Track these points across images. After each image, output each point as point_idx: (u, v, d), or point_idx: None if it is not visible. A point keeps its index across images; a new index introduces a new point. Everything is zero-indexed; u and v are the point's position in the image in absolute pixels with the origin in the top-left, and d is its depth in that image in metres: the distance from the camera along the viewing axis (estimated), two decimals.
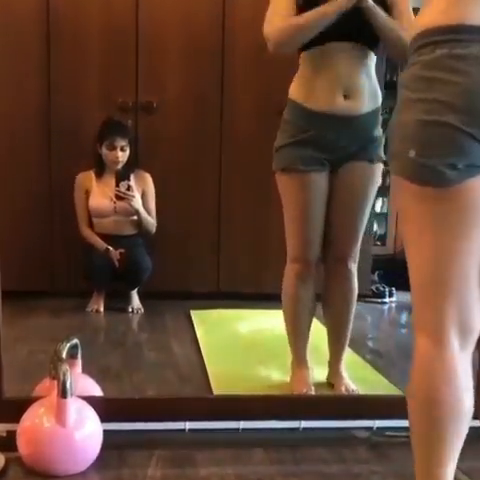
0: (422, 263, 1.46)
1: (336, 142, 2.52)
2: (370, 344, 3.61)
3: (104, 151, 3.85)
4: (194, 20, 3.98)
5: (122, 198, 3.83)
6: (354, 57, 2.51)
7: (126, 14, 3.92)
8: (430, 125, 1.35)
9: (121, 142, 3.83)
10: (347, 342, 2.80)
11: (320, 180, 2.58)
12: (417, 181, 1.40)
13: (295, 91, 2.59)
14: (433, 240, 1.42)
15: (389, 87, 4.84)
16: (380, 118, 2.62)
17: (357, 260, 2.71)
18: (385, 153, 2.54)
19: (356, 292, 2.73)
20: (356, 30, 2.46)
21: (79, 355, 2.33)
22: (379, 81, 4.09)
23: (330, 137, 2.51)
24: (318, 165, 2.56)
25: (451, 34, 1.32)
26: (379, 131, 2.61)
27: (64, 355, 2.16)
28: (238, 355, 3.24)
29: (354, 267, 2.71)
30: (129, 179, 3.82)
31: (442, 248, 1.42)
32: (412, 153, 1.37)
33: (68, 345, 2.21)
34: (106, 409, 2.15)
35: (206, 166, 4.11)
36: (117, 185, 3.80)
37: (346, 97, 2.50)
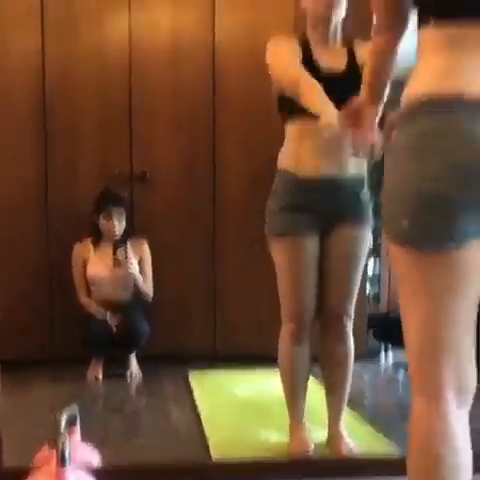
0: (417, 324, 1.47)
1: (325, 205, 2.58)
2: (368, 403, 3.62)
3: (101, 221, 3.93)
4: (185, 91, 4.11)
5: (120, 265, 3.88)
6: None
7: (119, 88, 4.06)
8: (422, 195, 1.38)
9: (117, 212, 3.92)
10: (346, 401, 2.80)
11: (312, 244, 2.64)
12: (409, 246, 1.43)
13: (282, 160, 2.70)
14: (427, 302, 1.44)
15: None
16: (366, 179, 2.69)
17: (352, 318, 2.75)
18: (376, 215, 2.60)
19: (353, 350, 2.75)
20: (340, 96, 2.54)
21: (78, 423, 2.35)
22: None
23: (319, 201, 2.58)
24: (309, 230, 2.62)
25: (442, 106, 1.36)
26: (367, 192, 2.68)
27: (63, 424, 2.17)
28: (237, 418, 3.24)
29: (350, 325, 2.74)
30: (126, 246, 3.89)
31: (436, 310, 1.44)
32: (405, 222, 1.40)
33: (67, 414, 2.22)
34: (105, 477, 2.16)
35: (200, 231, 4.19)
36: (114, 252, 3.87)
37: (332, 161, 2.57)
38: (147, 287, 4.01)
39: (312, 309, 2.68)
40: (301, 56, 2.64)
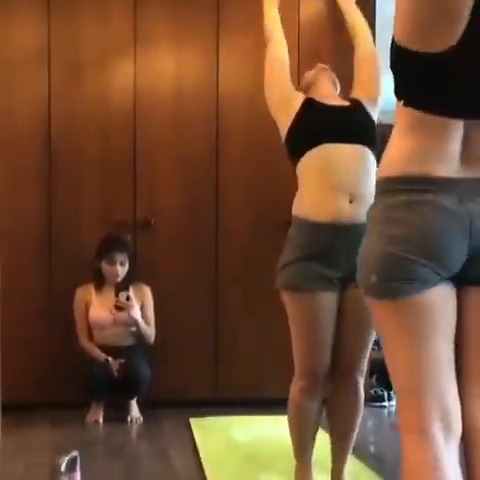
0: (400, 365, 1.58)
1: (344, 253, 2.44)
2: (372, 449, 3.59)
3: (104, 266, 3.96)
4: (188, 136, 4.18)
5: (121, 308, 3.90)
6: (354, 159, 2.54)
7: (124, 133, 4.12)
8: (388, 255, 1.55)
9: (120, 257, 3.95)
10: (351, 450, 2.78)
11: (329, 300, 2.53)
12: (378, 297, 1.58)
13: (298, 207, 2.64)
14: (405, 345, 1.56)
15: None
16: None
17: (364, 373, 2.71)
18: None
19: (362, 404, 2.71)
20: (353, 130, 2.55)
21: (78, 468, 2.34)
22: None
23: (337, 248, 2.48)
24: (326, 284, 2.51)
25: (410, 184, 1.53)
26: None
27: (63, 469, 2.17)
28: (238, 463, 3.22)
29: (361, 380, 2.70)
30: (128, 290, 3.90)
31: (412, 352, 1.55)
32: (373, 278, 1.57)
33: (67, 458, 2.22)
34: None
35: (203, 277, 4.21)
36: (116, 295, 3.88)
37: (351, 202, 2.49)
38: (149, 331, 4.01)
39: (327, 364, 2.61)
40: (301, 100, 2.69)
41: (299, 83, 4.17)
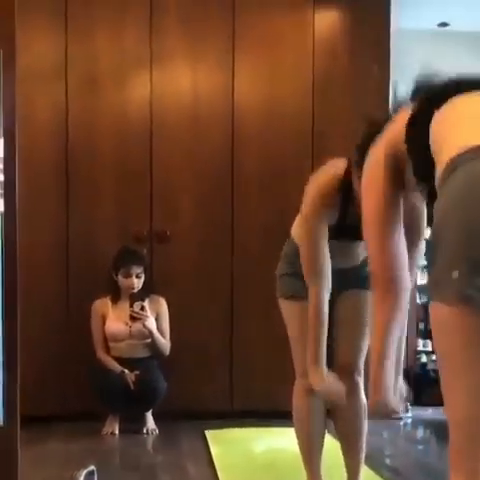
0: (468, 399, 1.32)
1: (334, 279, 2.57)
2: (388, 461, 3.58)
3: (120, 278, 3.99)
4: (204, 150, 4.22)
5: (136, 318, 3.92)
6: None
7: (140, 147, 4.17)
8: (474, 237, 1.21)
9: (136, 270, 3.97)
10: (363, 456, 2.78)
11: None
12: (458, 301, 1.23)
13: (294, 230, 2.81)
14: (473, 368, 1.28)
15: None
16: None
17: (362, 373, 2.74)
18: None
19: (364, 404, 2.74)
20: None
21: None
22: None
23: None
24: None
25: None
26: None
27: None
28: (254, 475, 3.22)
29: (360, 380, 2.75)
30: (143, 301, 3.93)
31: None
32: (455, 273, 1.22)
33: (84, 472, 2.23)
34: None
35: (219, 290, 4.24)
36: (131, 306, 3.91)
37: (345, 259, 2.68)
38: (164, 343, 4.03)
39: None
40: (336, 215, 2.61)
41: (313, 100, 4.23)
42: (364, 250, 2.67)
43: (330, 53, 4.29)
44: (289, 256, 2.77)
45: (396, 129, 1.63)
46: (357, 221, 2.55)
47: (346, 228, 2.62)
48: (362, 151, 1.94)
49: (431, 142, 1.50)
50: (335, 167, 2.62)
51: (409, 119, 1.58)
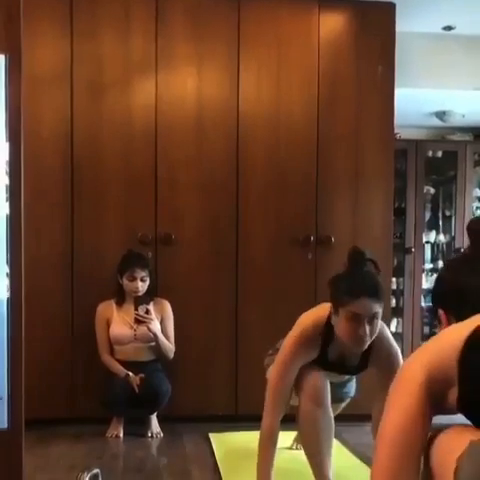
0: None
1: None
2: None
3: (125, 282, 3.99)
4: (209, 155, 4.22)
5: (141, 322, 3.93)
6: None
7: (145, 152, 4.17)
8: None
9: (141, 273, 3.98)
10: None
11: None
12: None
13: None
14: None
15: (397, 214, 5.08)
16: None
17: None
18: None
19: None
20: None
21: None
22: (388, 209, 4.34)
23: None
24: None
25: None
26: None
27: None
28: None
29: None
30: (148, 304, 3.94)
31: None
32: None
33: (89, 475, 2.23)
34: None
35: (223, 293, 4.24)
36: (136, 309, 3.92)
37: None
38: (168, 346, 4.03)
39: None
40: (316, 355, 2.82)
41: (319, 105, 4.25)
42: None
43: (336, 56, 4.30)
44: None
45: (443, 348, 1.39)
46: (339, 358, 2.83)
47: (327, 363, 2.83)
48: None
49: None
50: (314, 316, 2.81)
51: (467, 341, 1.34)
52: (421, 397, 1.37)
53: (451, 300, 1.56)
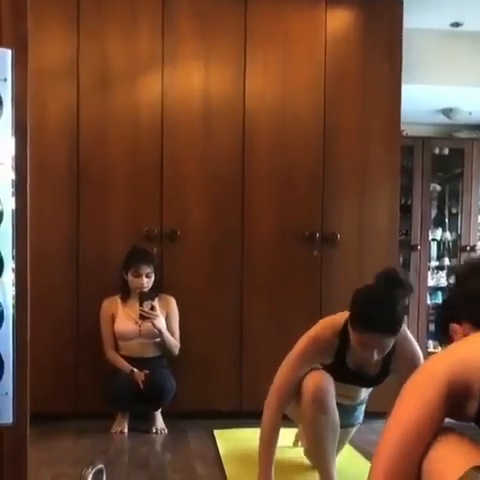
0: None
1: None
2: None
3: (130, 278, 3.99)
4: (215, 151, 4.22)
5: (145, 317, 3.92)
6: None
7: (151, 147, 4.17)
8: None
9: (146, 269, 3.97)
10: None
11: None
12: None
13: None
14: None
15: (403, 211, 5.07)
16: None
17: None
18: None
19: None
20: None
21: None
22: (394, 206, 4.33)
23: None
24: None
25: None
26: None
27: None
28: None
29: None
30: (153, 300, 3.93)
31: None
32: None
33: (93, 471, 2.23)
34: None
35: (228, 290, 4.24)
36: (141, 305, 3.91)
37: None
38: (173, 342, 4.03)
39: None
40: (332, 359, 2.79)
41: (325, 100, 4.25)
42: (366, 392, 3.00)
43: (342, 52, 4.28)
44: None
45: (469, 360, 1.38)
46: (359, 367, 2.77)
47: (349, 373, 2.78)
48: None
49: None
50: (333, 322, 2.77)
51: None
52: (441, 395, 1.35)
53: (465, 309, 1.54)
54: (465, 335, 1.54)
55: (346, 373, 2.80)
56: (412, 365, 2.57)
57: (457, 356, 1.39)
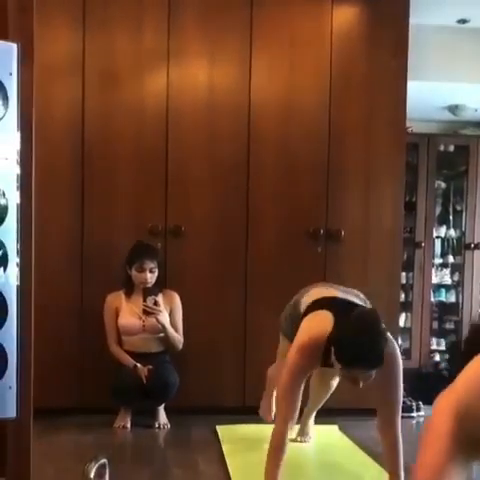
0: None
1: None
2: None
3: (134, 273, 3.99)
4: (220, 146, 4.21)
5: (149, 313, 3.93)
6: None
7: (156, 143, 4.17)
8: None
9: (150, 264, 3.98)
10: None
11: None
12: None
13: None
14: None
15: (407, 208, 5.06)
16: None
17: None
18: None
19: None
20: None
21: (107, 475, 2.35)
22: (399, 203, 4.33)
23: None
24: None
25: None
26: None
27: (92, 475, 2.18)
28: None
29: None
30: (156, 295, 3.93)
31: None
32: None
33: (96, 465, 2.22)
34: None
35: (232, 286, 4.25)
36: (144, 300, 3.92)
37: None
38: (177, 337, 4.03)
39: None
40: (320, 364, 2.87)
41: (330, 97, 4.24)
42: None
43: (348, 48, 4.27)
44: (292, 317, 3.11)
45: (474, 390, 1.28)
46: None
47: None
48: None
49: None
50: (318, 331, 2.80)
51: None
52: (450, 444, 1.28)
53: None
54: None
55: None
56: (391, 363, 2.75)
57: (460, 391, 1.30)
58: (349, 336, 2.60)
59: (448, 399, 1.30)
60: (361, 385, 2.62)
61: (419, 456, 1.33)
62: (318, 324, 2.84)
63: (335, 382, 3.53)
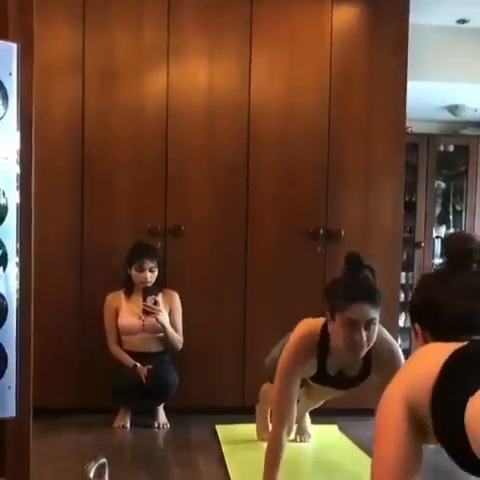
0: None
1: None
2: None
3: (133, 272, 4.00)
4: (220, 146, 4.21)
5: (149, 312, 3.93)
6: None
7: (156, 142, 4.17)
8: None
9: (150, 264, 3.98)
10: None
11: None
12: None
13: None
14: None
15: (407, 208, 5.06)
16: None
17: None
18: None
19: None
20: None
21: (106, 474, 2.35)
22: (399, 203, 4.33)
23: None
24: None
25: None
26: None
27: (91, 475, 2.18)
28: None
29: None
30: (156, 295, 3.94)
31: None
32: None
33: (96, 465, 2.22)
34: None
35: (231, 285, 4.24)
36: (144, 300, 3.92)
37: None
38: (176, 337, 4.03)
39: None
40: (315, 369, 2.87)
41: (330, 95, 4.23)
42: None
43: (348, 47, 4.27)
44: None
45: (419, 381, 1.37)
46: (337, 372, 2.89)
47: (328, 377, 2.89)
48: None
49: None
50: (311, 324, 2.85)
51: (435, 387, 1.31)
52: (406, 431, 1.37)
53: (426, 316, 1.54)
54: (425, 340, 1.53)
55: (327, 379, 2.91)
56: (391, 361, 2.74)
57: (408, 382, 1.40)
58: (341, 278, 2.72)
59: (399, 386, 1.41)
60: (364, 336, 2.57)
61: (378, 445, 1.42)
62: (309, 321, 2.89)
63: (323, 401, 3.52)
